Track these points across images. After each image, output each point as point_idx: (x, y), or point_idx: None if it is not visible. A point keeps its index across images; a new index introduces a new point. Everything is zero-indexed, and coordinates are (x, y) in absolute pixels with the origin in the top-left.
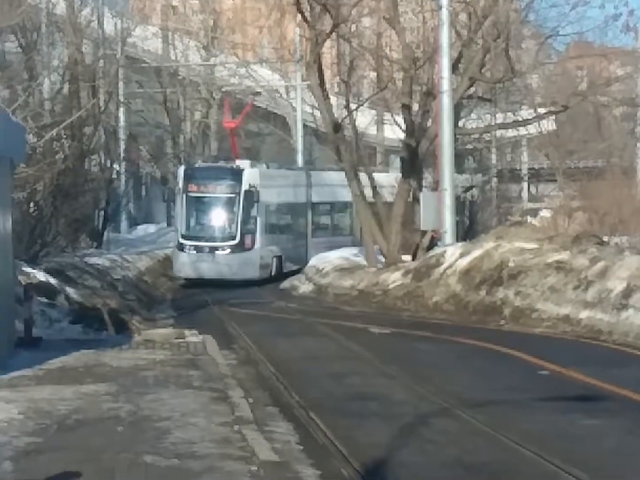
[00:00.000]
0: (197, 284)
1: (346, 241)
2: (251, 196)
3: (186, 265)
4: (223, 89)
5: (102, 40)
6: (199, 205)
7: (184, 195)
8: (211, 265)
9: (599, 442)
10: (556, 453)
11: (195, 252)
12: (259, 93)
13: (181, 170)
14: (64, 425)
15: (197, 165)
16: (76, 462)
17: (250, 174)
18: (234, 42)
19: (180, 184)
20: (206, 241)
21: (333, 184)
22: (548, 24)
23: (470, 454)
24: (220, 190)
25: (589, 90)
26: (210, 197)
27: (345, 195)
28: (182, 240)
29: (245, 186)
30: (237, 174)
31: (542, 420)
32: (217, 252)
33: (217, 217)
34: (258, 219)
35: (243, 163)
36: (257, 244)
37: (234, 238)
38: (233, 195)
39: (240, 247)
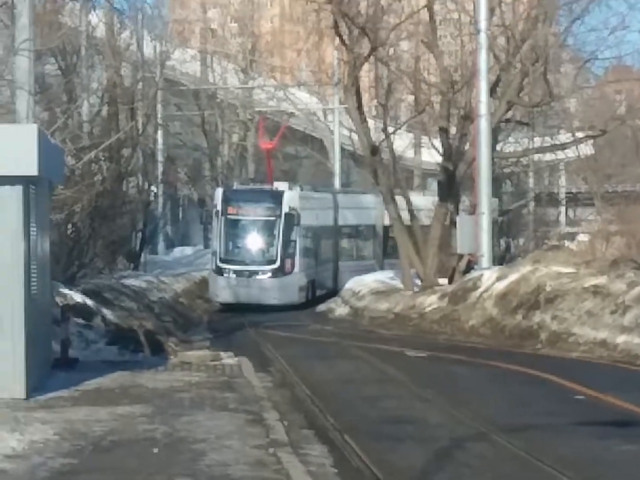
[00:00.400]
0: (234, 308)
1: (371, 265)
2: (291, 219)
3: (224, 289)
4: (257, 109)
5: (141, 63)
6: (238, 228)
7: (223, 218)
8: (251, 289)
9: (635, 468)
10: (592, 479)
11: (234, 276)
12: (293, 114)
13: (219, 192)
14: (99, 446)
15: (235, 187)
16: None
17: (290, 196)
18: (272, 65)
19: (219, 206)
20: (246, 265)
21: (358, 206)
22: (587, 48)
23: (506, 479)
24: (260, 212)
25: (627, 114)
26: (250, 220)
27: (369, 218)
28: (220, 264)
29: (285, 209)
30: (277, 197)
31: (578, 445)
32: (257, 276)
33: (257, 241)
34: (297, 242)
35: (281, 185)
36: (296, 268)
37: (274, 262)
38: (273, 218)
39: (280, 272)
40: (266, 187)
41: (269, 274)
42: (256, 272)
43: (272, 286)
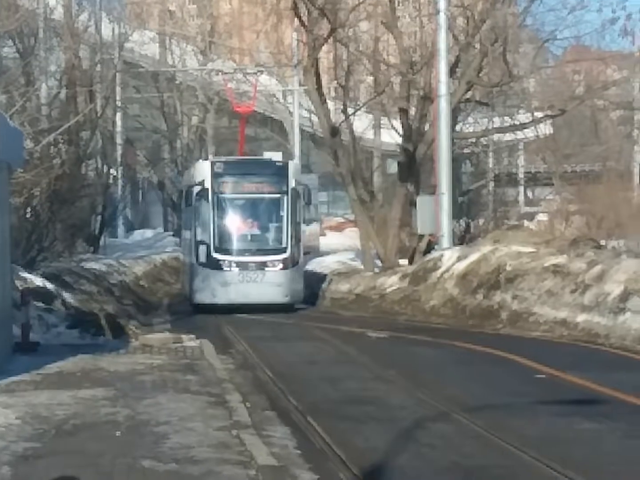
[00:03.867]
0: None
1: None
2: (297, 196)
3: (224, 287)
4: (222, 76)
5: (99, 45)
6: (237, 209)
7: (215, 197)
8: (260, 286)
9: (597, 446)
10: (554, 457)
11: (237, 269)
12: (262, 72)
13: (204, 166)
14: (62, 430)
15: (227, 159)
16: (74, 466)
17: (296, 169)
18: (231, 46)
19: (208, 183)
20: (252, 255)
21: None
22: (546, 28)
23: (469, 458)
24: (263, 188)
25: (586, 94)
26: (251, 197)
27: None
28: (215, 255)
29: (292, 183)
30: (281, 169)
31: (541, 423)
32: (266, 268)
33: (263, 224)
34: (301, 224)
35: (274, 155)
36: (301, 257)
37: (284, 250)
38: (279, 194)
39: (291, 262)
40: (264, 158)
41: (281, 265)
42: (265, 264)
43: (284, 280)
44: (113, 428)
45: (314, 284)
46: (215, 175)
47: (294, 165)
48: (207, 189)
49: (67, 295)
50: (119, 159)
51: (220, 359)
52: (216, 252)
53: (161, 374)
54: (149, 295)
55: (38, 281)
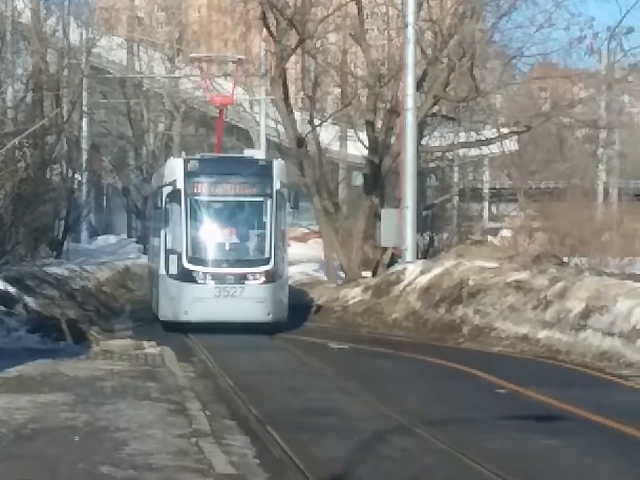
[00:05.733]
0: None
1: None
2: (282, 200)
3: (198, 303)
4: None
5: (67, 49)
6: (213, 214)
7: (188, 200)
8: (238, 301)
9: (556, 462)
10: (514, 472)
11: (213, 283)
12: (241, 60)
13: (176, 164)
14: (20, 434)
15: (202, 157)
16: (32, 471)
17: (280, 169)
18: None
19: (180, 184)
20: (230, 266)
21: None
22: (513, 45)
23: (428, 472)
24: (243, 190)
25: (552, 112)
26: (229, 201)
27: None
28: (188, 266)
29: (276, 184)
30: (264, 168)
31: (500, 438)
32: (247, 281)
33: (243, 231)
34: (285, 231)
35: (257, 153)
36: (286, 269)
37: (267, 261)
38: (261, 198)
39: (275, 274)
40: (244, 155)
41: (263, 278)
42: (245, 276)
43: (266, 295)
44: (72, 433)
45: None
46: (188, 175)
47: (278, 164)
48: (179, 190)
49: (28, 299)
50: (84, 164)
51: (181, 366)
52: (189, 262)
53: (121, 380)
54: (112, 301)
55: None
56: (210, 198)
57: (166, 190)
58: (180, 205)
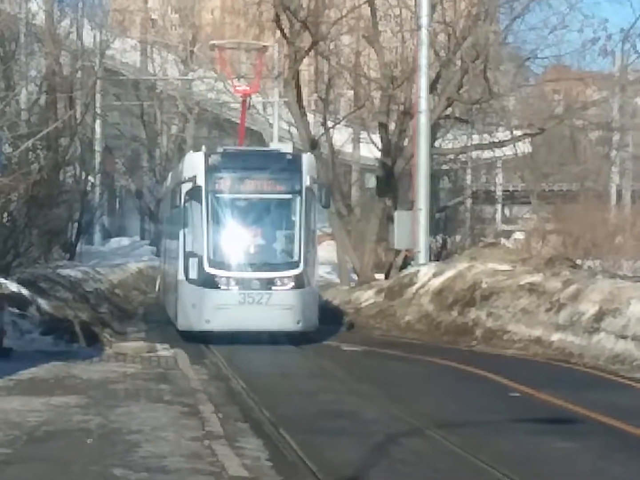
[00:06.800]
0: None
1: None
2: (312, 197)
3: (221, 310)
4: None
5: (80, 51)
6: (235, 213)
7: (209, 197)
8: (266, 309)
9: (570, 465)
10: (527, 475)
11: (237, 288)
12: (265, 47)
13: (197, 158)
14: (34, 436)
15: (226, 151)
16: (45, 473)
17: (310, 163)
18: (212, 56)
19: (200, 180)
20: (257, 270)
21: None
22: (527, 47)
23: (441, 474)
24: (271, 187)
25: (565, 114)
26: (254, 198)
27: None
28: (210, 270)
29: (306, 181)
30: (293, 163)
31: (513, 442)
32: (274, 287)
33: (269, 232)
34: (316, 232)
35: (284, 146)
36: (316, 273)
37: (296, 265)
38: (290, 195)
39: (304, 279)
40: (270, 149)
41: (292, 284)
42: (272, 281)
43: (295, 302)
44: (85, 436)
45: None
46: (210, 170)
47: (308, 158)
48: (200, 187)
49: (42, 302)
50: (97, 167)
51: (194, 369)
52: (210, 266)
53: (134, 382)
54: (124, 303)
55: (13, 287)
56: (234, 195)
57: (185, 187)
58: (201, 203)
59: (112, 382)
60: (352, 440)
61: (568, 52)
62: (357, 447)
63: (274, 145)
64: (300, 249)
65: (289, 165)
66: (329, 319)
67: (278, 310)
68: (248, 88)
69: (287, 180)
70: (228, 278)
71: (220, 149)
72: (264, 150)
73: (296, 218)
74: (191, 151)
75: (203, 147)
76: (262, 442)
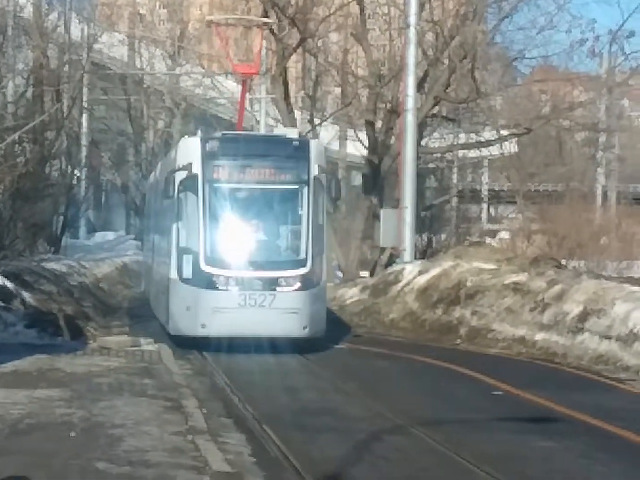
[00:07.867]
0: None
1: None
2: (321, 188)
3: (220, 314)
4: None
5: (68, 45)
6: (235, 205)
7: (205, 188)
8: (267, 312)
9: (551, 464)
10: (509, 473)
11: (237, 289)
12: (267, 24)
13: (192, 144)
14: (16, 429)
15: (225, 135)
16: (27, 466)
17: (319, 150)
18: (200, 52)
19: (196, 167)
20: (259, 269)
21: None
22: (514, 47)
23: (423, 472)
24: (273, 176)
25: (552, 114)
26: (256, 189)
27: None
28: (207, 268)
29: (314, 170)
30: (300, 149)
31: (496, 440)
32: (278, 288)
33: (273, 226)
34: (324, 227)
35: (290, 131)
36: (324, 273)
37: (303, 263)
38: (296, 185)
39: (312, 279)
40: (275, 134)
41: (298, 284)
42: (276, 282)
43: (302, 305)
44: (68, 429)
45: None
46: (207, 157)
47: (316, 144)
48: (196, 175)
49: (26, 295)
50: (83, 160)
51: (178, 364)
52: (207, 264)
53: (118, 376)
54: (109, 297)
55: None
56: (234, 185)
57: (179, 176)
58: (197, 194)
59: (96, 376)
60: (335, 437)
61: (556, 52)
62: (340, 443)
63: (279, 130)
64: (307, 245)
65: (296, 153)
66: None
67: (282, 313)
68: (253, 68)
69: (293, 168)
70: (227, 277)
71: (218, 134)
72: (267, 136)
73: (303, 211)
74: (186, 136)
75: (199, 132)
76: (245, 437)
